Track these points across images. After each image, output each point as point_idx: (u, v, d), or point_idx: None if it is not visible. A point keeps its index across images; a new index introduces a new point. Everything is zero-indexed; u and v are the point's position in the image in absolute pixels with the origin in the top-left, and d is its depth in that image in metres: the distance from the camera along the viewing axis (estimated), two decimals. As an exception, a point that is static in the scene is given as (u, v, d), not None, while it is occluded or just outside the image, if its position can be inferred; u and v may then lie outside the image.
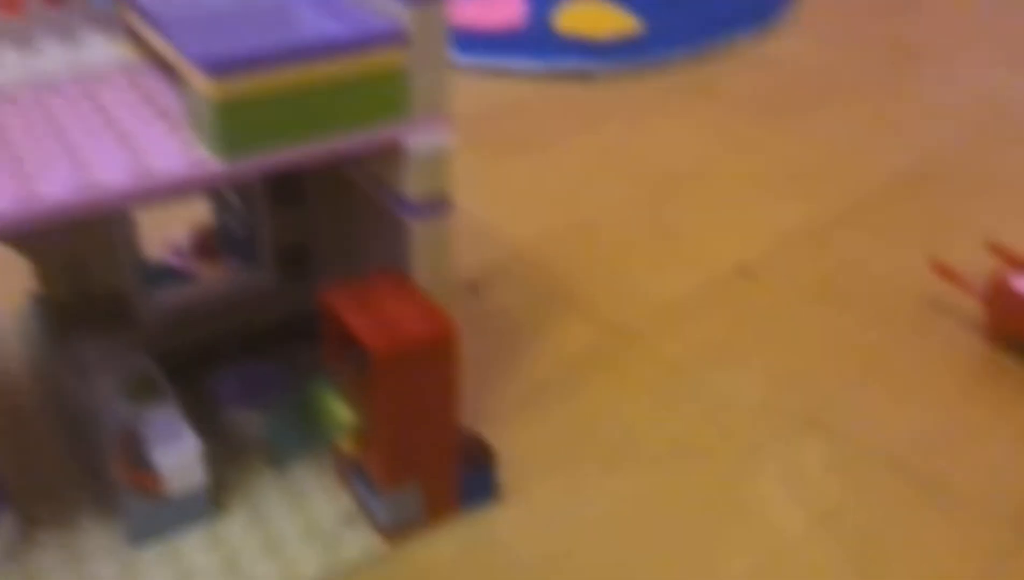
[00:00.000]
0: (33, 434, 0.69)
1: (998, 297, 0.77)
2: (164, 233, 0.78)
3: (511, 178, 1.04)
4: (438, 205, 0.57)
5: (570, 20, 1.42)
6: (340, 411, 0.56)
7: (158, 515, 0.59)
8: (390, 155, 0.56)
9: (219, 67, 0.47)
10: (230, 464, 0.63)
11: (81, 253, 0.63)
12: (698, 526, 0.61)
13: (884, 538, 0.60)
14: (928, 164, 1.07)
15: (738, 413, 0.70)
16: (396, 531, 0.59)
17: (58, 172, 0.47)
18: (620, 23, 1.41)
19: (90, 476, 0.63)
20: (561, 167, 1.06)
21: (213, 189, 0.76)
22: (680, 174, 1.04)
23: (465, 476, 0.60)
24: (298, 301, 0.74)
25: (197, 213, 0.79)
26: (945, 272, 0.81)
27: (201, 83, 0.47)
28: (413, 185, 0.56)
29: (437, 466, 0.59)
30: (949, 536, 0.60)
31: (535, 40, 1.38)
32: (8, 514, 0.57)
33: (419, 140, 0.55)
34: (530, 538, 0.60)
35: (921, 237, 0.93)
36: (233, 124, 0.48)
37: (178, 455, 0.57)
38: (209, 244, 0.80)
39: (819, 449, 0.67)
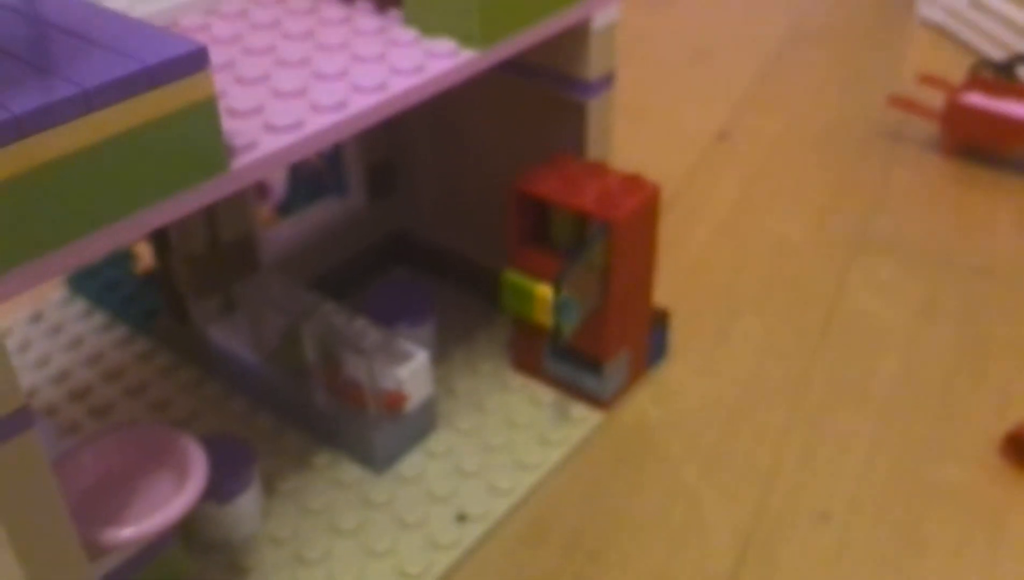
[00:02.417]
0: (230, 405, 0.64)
1: (953, 113, 0.90)
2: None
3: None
4: (609, 80, 0.60)
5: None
6: (572, 303, 0.57)
7: (401, 434, 0.58)
8: (570, 37, 0.57)
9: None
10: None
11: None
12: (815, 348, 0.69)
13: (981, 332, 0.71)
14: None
15: (794, 250, 0.79)
16: (612, 400, 0.62)
17: (340, 83, 0.46)
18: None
19: (311, 426, 0.61)
20: None
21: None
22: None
23: (651, 338, 0.64)
24: (391, 220, 0.73)
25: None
26: (904, 103, 0.93)
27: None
28: (593, 64, 0.58)
29: (641, 331, 0.62)
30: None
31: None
32: (256, 483, 0.54)
33: (601, 16, 0.57)
34: (699, 388, 0.65)
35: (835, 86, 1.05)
36: (489, 12, 0.48)
37: (414, 370, 0.57)
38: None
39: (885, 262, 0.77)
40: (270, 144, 0.40)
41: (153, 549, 0.45)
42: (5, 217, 0.32)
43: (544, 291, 0.58)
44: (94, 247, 0.35)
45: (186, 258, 0.62)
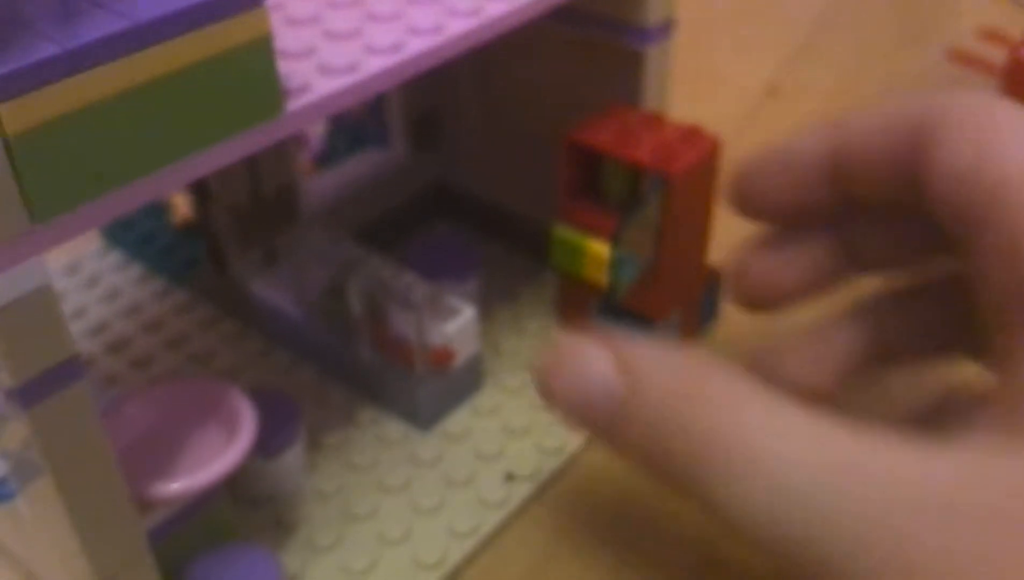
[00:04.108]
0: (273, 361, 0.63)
1: (1016, 69, 0.86)
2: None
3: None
4: (669, 27, 0.57)
5: None
6: (630, 257, 0.55)
7: (447, 391, 0.57)
8: (628, -19, 0.55)
9: None
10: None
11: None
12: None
13: None
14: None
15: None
16: (662, 358, 0.60)
17: (395, 24, 0.44)
18: None
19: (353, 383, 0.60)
20: None
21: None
22: None
23: (703, 298, 0.62)
24: (433, 172, 0.72)
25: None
26: (964, 58, 0.90)
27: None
28: (653, 9, 0.56)
29: (694, 291, 0.60)
30: None
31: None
32: (302, 437, 0.53)
33: (661, -41, 0.54)
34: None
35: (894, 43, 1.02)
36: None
37: (462, 325, 0.55)
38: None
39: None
40: (325, 87, 0.39)
41: (201, 503, 0.44)
42: (53, 159, 0.30)
43: (595, 247, 0.56)
44: (148, 190, 0.33)
45: (227, 208, 0.60)
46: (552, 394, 0.40)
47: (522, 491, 0.53)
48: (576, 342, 0.39)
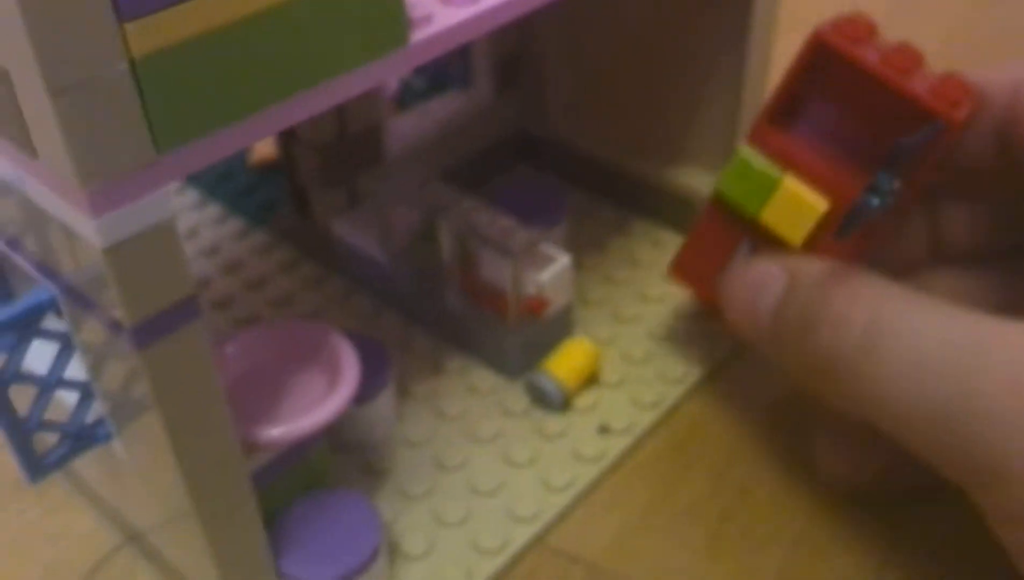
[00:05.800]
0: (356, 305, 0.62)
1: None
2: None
3: None
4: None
5: None
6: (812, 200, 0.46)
7: (538, 341, 0.55)
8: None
9: None
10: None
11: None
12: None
13: None
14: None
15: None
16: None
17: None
18: None
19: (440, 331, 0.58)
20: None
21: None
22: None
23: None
24: (516, 116, 0.69)
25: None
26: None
27: None
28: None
29: None
30: None
31: None
32: (392, 383, 0.51)
33: None
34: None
35: None
36: None
37: (556, 273, 0.54)
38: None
39: None
40: (447, 18, 0.36)
41: (302, 449, 0.43)
42: (180, 85, 0.29)
43: (809, 198, 0.45)
44: (272, 122, 0.32)
45: (312, 148, 0.58)
46: (731, 295, 0.45)
47: (618, 445, 0.51)
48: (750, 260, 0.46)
